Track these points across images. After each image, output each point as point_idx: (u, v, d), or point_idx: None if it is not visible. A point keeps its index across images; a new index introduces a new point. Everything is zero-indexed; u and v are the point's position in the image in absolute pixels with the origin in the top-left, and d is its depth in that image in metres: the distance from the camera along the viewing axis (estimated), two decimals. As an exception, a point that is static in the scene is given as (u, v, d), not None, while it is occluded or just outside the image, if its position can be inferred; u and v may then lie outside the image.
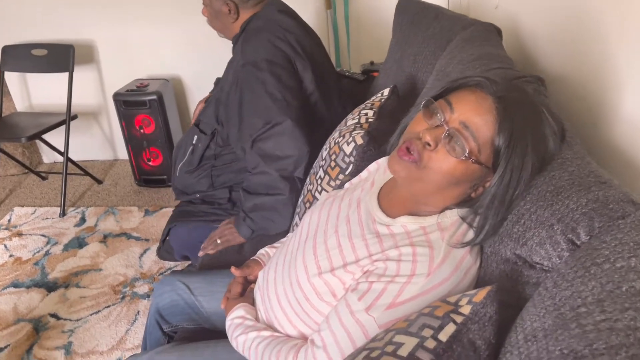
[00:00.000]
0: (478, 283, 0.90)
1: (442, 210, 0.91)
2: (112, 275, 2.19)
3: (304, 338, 0.98)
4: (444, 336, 0.69)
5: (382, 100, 1.48)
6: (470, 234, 0.89)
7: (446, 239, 0.87)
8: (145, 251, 2.32)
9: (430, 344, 0.68)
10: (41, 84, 2.96)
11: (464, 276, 0.86)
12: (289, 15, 1.75)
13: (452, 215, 0.90)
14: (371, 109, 1.45)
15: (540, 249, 0.78)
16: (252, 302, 1.13)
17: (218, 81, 2.10)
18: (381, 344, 0.71)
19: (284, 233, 1.56)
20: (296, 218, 1.49)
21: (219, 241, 1.60)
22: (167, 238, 1.82)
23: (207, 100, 2.05)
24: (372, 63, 2.21)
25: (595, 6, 1.25)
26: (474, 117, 0.83)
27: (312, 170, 1.51)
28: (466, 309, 0.73)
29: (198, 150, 1.79)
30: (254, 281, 1.22)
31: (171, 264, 2.21)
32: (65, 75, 2.70)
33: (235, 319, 1.08)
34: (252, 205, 1.57)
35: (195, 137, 1.80)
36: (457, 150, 0.82)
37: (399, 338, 0.71)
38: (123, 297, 2.06)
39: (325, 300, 0.94)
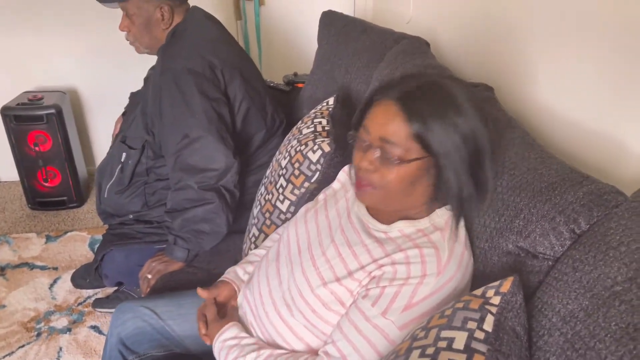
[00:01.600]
0: (477, 276, 0.96)
1: (431, 211, 0.96)
2: (20, 311, 1.94)
3: (312, 351, 0.97)
4: (488, 326, 0.74)
5: (330, 109, 1.52)
6: (463, 232, 0.96)
7: (447, 237, 0.92)
8: (55, 281, 2.09)
9: (480, 334, 0.72)
10: None
11: (465, 270, 0.92)
12: (215, 23, 1.72)
13: (443, 214, 0.96)
14: (322, 117, 1.48)
15: (543, 240, 0.86)
16: (239, 321, 1.10)
17: (133, 96, 1.99)
18: (430, 341, 0.74)
19: (236, 254, 1.52)
20: (253, 229, 1.46)
21: (149, 276, 1.51)
22: (99, 265, 1.67)
23: (125, 115, 1.94)
24: (295, 74, 2.24)
25: (504, 10, 1.43)
26: (386, 127, 0.89)
27: (266, 180, 1.49)
28: (496, 300, 0.78)
29: (128, 167, 1.67)
30: (224, 302, 1.18)
31: (90, 292, 2.01)
32: (-62, 87, 2.36)
33: (228, 340, 1.03)
34: (180, 222, 1.51)
35: (124, 154, 1.69)
36: (390, 160, 0.89)
37: (446, 333, 0.74)
38: (39, 334, 1.83)
39: (333, 310, 0.94)
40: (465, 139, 0.87)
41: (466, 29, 1.74)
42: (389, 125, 0.88)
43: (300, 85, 2.15)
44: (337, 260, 0.96)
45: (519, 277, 0.81)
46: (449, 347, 0.71)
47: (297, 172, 1.35)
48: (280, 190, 1.39)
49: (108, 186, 1.66)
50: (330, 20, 2.06)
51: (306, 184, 1.34)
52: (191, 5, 1.67)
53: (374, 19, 2.75)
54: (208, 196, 1.50)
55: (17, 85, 2.58)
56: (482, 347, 0.70)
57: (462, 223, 0.96)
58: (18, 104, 2.42)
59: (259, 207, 1.47)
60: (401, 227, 0.95)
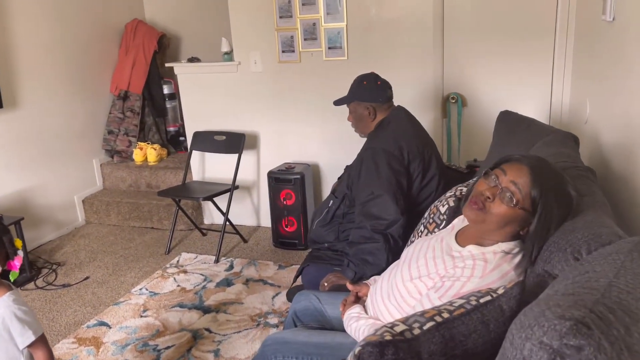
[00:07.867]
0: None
1: (495, 242, 1.35)
2: (251, 308, 2.76)
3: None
4: (482, 300, 1.13)
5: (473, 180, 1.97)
6: (519, 260, 1.32)
7: (497, 257, 1.31)
8: (276, 294, 2.89)
9: (473, 302, 1.13)
10: (214, 160, 3.82)
11: (508, 284, 1.29)
12: (410, 119, 2.34)
13: (501, 247, 1.34)
14: (465, 186, 1.95)
15: (558, 264, 1.20)
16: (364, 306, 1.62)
17: (346, 167, 2.73)
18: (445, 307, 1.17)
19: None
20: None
21: (326, 284, 2.11)
22: (300, 276, 2.37)
23: (339, 179, 2.67)
24: (475, 160, 2.71)
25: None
26: (519, 177, 1.30)
27: (417, 228, 2.00)
28: (500, 290, 1.16)
29: (331, 210, 2.37)
30: (362, 297, 1.70)
31: (297, 305, 2.73)
32: (234, 156, 3.52)
33: (353, 313, 1.56)
34: (354, 251, 2.09)
35: (331, 201, 2.40)
36: (506, 199, 1.29)
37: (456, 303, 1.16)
38: (258, 325, 2.60)
39: (414, 297, 1.40)
40: (557, 219, 1.28)
41: (619, 132, 1.99)
42: (522, 178, 1.29)
43: (477, 168, 2.60)
44: (423, 267, 1.43)
45: (522, 281, 1.17)
46: (451, 304, 1.14)
47: (430, 221, 1.84)
48: (420, 233, 1.89)
49: (317, 221, 2.39)
50: (505, 117, 2.49)
51: (436, 230, 1.81)
52: (399, 104, 2.36)
53: (569, 120, 3.04)
54: (376, 237, 2.07)
55: (281, 157, 3.64)
56: (468, 306, 1.11)
57: (520, 255, 1.33)
58: (279, 170, 3.43)
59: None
60: (470, 249, 1.38)
